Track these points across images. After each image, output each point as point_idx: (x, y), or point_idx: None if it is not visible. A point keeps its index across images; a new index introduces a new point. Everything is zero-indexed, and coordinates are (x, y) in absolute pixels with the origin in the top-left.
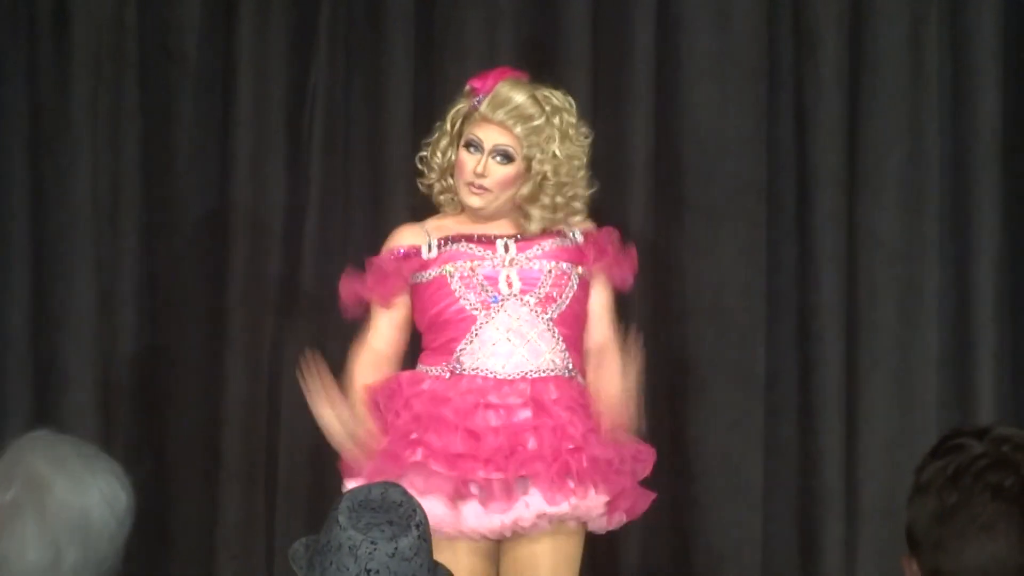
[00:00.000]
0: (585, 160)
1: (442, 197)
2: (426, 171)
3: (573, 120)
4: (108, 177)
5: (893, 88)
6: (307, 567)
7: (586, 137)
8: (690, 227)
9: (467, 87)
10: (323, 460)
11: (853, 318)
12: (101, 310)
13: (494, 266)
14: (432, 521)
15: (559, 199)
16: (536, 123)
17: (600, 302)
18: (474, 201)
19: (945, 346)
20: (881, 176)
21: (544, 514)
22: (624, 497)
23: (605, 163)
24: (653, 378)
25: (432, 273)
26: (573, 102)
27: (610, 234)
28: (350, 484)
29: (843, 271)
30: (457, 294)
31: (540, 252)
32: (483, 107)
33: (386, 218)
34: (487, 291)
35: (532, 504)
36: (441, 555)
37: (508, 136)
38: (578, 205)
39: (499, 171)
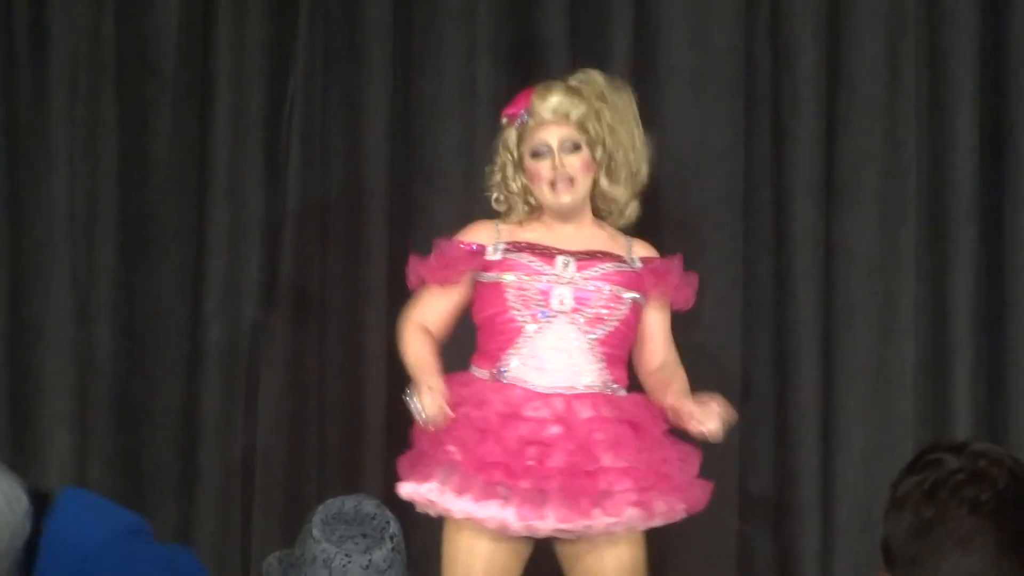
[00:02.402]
0: (637, 117)
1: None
2: (504, 203)
3: (603, 82)
4: (85, 189)
5: (870, 103)
6: None
7: (630, 95)
8: (667, 240)
9: (503, 119)
10: (299, 473)
11: (829, 331)
12: (78, 321)
13: (549, 282)
14: (462, 512)
15: (633, 168)
16: (583, 108)
17: (657, 324)
18: (565, 198)
19: (921, 360)
20: (858, 190)
21: (561, 529)
22: (674, 490)
23: None
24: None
25: (491, 276)
26: (600, 71)
27: (670, 262)
28: (405, 488)
29: (820, 285)
30: (509, 303)
31: (598, 274)
32: (531, 119)
33: (364, 231)
34: (538, 306)
35: (548, 518)
36: (462, 540)
37: (566, 128)
38: (645, 172)
39: (574, 159)
